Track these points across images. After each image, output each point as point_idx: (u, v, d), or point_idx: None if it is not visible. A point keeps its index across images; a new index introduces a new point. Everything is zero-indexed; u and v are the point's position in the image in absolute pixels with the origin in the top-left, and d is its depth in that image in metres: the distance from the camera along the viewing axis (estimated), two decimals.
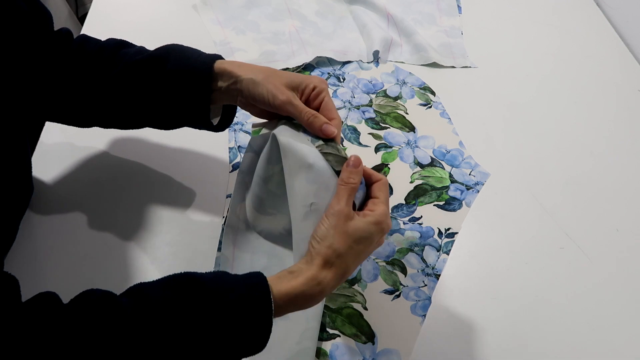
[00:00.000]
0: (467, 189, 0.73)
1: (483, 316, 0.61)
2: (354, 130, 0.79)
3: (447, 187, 0.73)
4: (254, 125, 0.57)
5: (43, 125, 0.73)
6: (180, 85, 0.54)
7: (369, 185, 0.51)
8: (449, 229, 0.69)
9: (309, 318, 0.56)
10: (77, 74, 0.56)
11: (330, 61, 0.88)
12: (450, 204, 0.71)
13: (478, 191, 0.73)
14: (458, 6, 1.01)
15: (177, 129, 0.60)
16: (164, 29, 0.89)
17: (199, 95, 0.54)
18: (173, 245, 0.64)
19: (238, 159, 0.73)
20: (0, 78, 0.48)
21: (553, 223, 0.71)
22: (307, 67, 0.87)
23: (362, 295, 0.62)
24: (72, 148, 0.71)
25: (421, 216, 0.70)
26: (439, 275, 0.64)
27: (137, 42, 0.60)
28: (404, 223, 0.69)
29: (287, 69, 0.85)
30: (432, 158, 0.76)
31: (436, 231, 0.68)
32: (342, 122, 0.79)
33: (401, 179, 0.73)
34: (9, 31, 0.49)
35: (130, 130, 0.62)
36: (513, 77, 0.90)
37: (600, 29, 1.01)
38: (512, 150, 0.79)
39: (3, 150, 0.49)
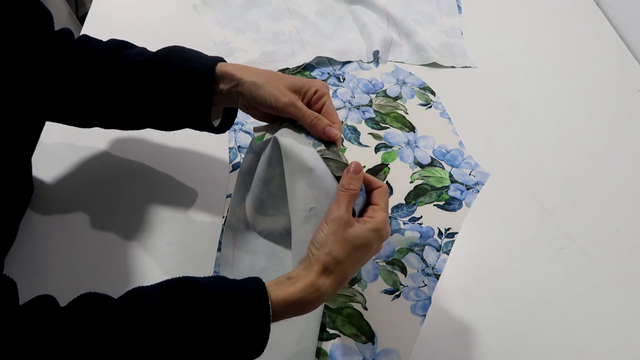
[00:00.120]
0: (467, 189, 0.73)
1: (483, 316, 0.61)
2: (354, 130, 0.79)
3: (447, 187, 0.73)
4: (255, 130, 0.56)
5: (43, 125, 0.72)
6: (182, 87, 0.54)
7: (369, 192, 0.51)
8: (449, 229, 0.69)
9: (309, 318, 0.56)
10: (78, 74, 0.56)
11: (330, 61, 0.88)
12: (450, 204, 0.71)
13: (478, 191, 0.73)
14: (458, 6, 1.01)
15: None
16: (164, 29, 0.89)
17: (200, 97, 0.54)
18: (173, 245, 0.64)
19: (238, 159, 0.73)
20: (1, 78, 0.48)
21: (553, 223, 0.71)
22: (307, 67, 0.86)
23: (362, 295, 0.62)
24: (72, 148, 0.71)
25: (421, 216, 0.70)
26: (439, 275, 0.64)
27: (137, 42, 0.60)
28: (404, 223, 0.69)
29: (287, 69, 0.85)
30: (432, 158, 0.76)
31: (436, 231, 0.68)
32: (342, 122, 0.79)
33: (401, 179, 0.73)
34: (9, 31, 0.49)
35: (131, 131, 0.62)
36: (513, 77, 0.90)
37: (600, 29, 1.01)
38: (512, 150, 0.79)
39: (3, 150, 0.49)
